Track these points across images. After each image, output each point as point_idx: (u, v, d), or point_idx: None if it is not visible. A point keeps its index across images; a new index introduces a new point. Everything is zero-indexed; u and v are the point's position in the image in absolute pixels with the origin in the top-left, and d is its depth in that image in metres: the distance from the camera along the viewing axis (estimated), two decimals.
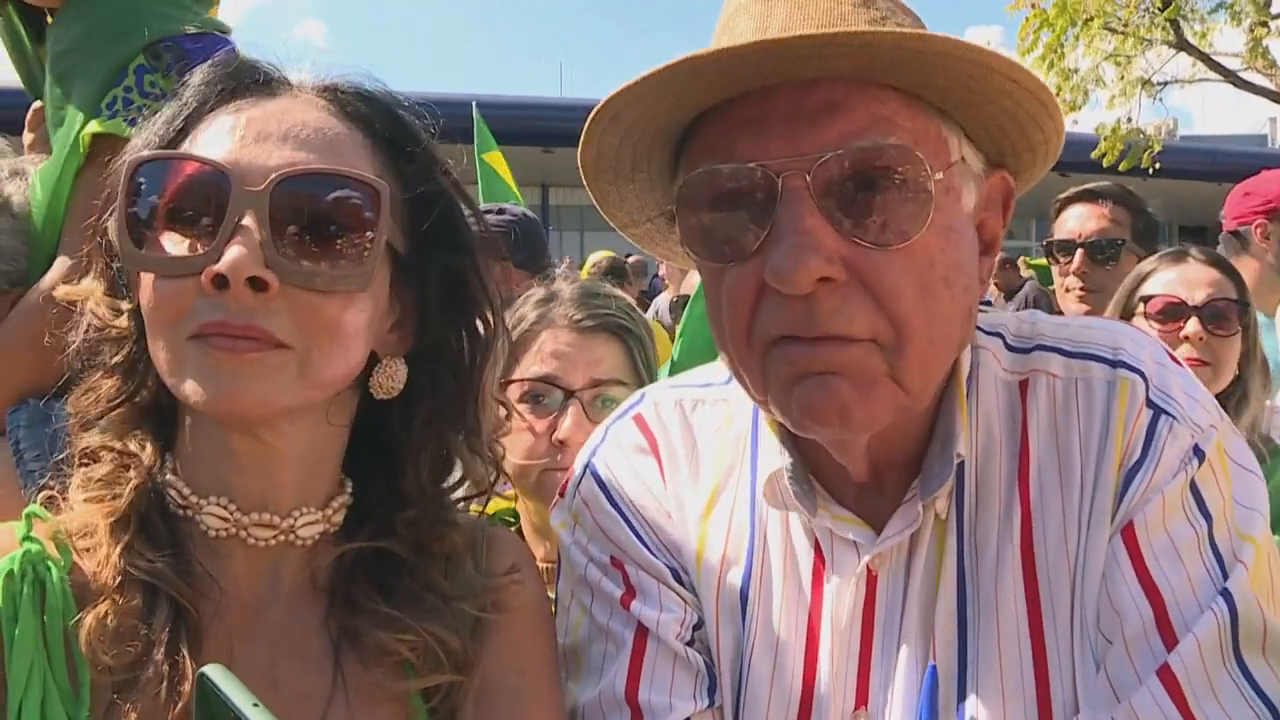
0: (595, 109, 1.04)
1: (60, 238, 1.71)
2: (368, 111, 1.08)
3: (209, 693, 0.74)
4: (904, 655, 1.09)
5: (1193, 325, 2.50)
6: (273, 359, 0.96)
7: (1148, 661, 0.99)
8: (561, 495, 1.31)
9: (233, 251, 0.93)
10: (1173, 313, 2.53)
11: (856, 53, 0.96)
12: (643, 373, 1.83)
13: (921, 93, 1.01)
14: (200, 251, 0.95)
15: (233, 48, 1.70)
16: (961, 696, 1.06)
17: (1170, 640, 0.99)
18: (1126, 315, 2.62)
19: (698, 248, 1.08)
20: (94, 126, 1.67)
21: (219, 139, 1.00)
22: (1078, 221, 3.23)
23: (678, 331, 3.64)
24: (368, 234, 1.00)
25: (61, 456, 1.08)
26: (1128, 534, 1.03)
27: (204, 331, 0.95)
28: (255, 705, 0.71)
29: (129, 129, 1.63)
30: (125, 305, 1.05)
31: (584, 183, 1.16)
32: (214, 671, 0.74)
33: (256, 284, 0.94)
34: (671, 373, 2.47)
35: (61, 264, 1.68)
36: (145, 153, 1.02)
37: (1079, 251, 3.17)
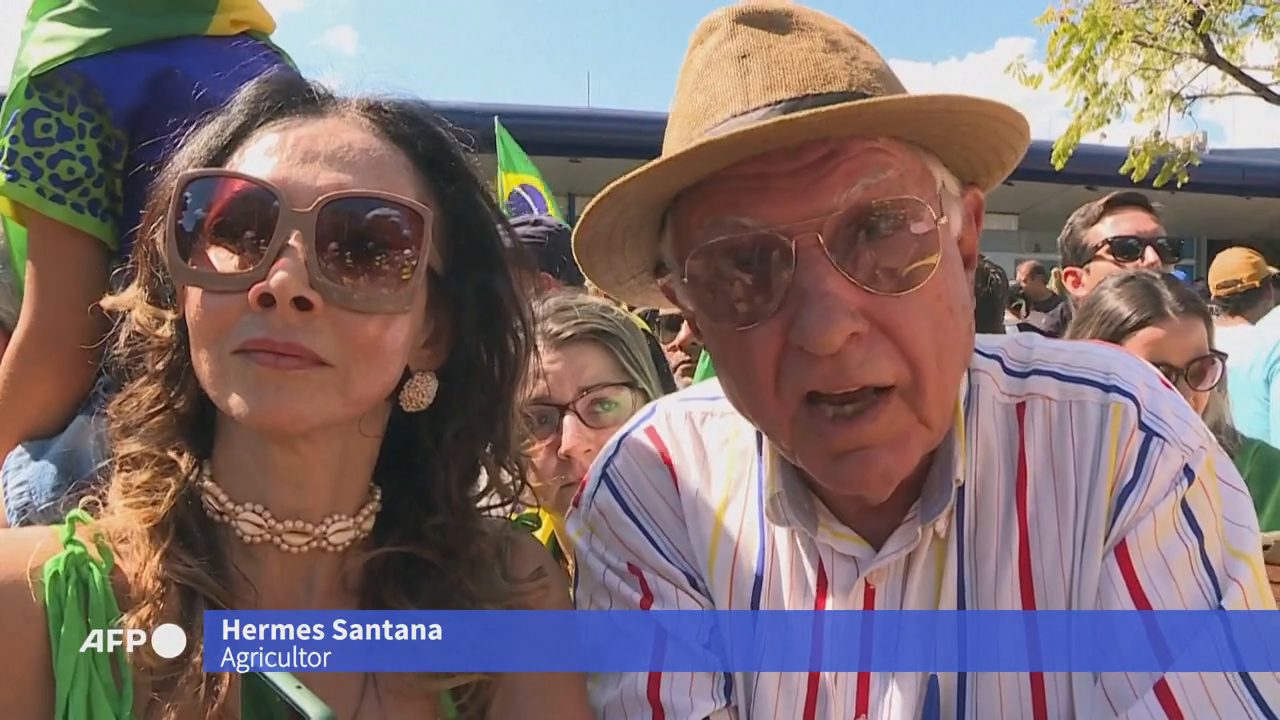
0: (591, 203, 1.06)
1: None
2: (410, 131, 1.10)
3: (255, 681, 0.78)
4: None
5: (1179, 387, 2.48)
6: (315, 377, 0.98)
7: (1144, 675, 1.01)
8: (576, 505, 1.34)
9: (280, 272, 0.95)
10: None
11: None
12: (629, 369, 1.85)
13: (904, 135, 1.03)
14: (247, 269, 0.98)
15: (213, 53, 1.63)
16: (960, 706, 1.09)
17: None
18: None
19: (710, 311, 1.08)
20: None
21: (267, 157, 1.02)
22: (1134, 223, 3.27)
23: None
24: (410, 257, 1.02)
25: (82, 481, 1.11)
26: (1121, 552, 1.05)
27: (248, 347, 0.97)
28: (299, 688, 0.75)
29: (14, 187, 1.64)
30: (170, 315, 1.07)
31: (574, 256, 1.18)
32: None
33: (301, 303, 0.96)
34: None
35: (21, 323, 1.69)
36: (196, 170, 1.04)
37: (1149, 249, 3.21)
